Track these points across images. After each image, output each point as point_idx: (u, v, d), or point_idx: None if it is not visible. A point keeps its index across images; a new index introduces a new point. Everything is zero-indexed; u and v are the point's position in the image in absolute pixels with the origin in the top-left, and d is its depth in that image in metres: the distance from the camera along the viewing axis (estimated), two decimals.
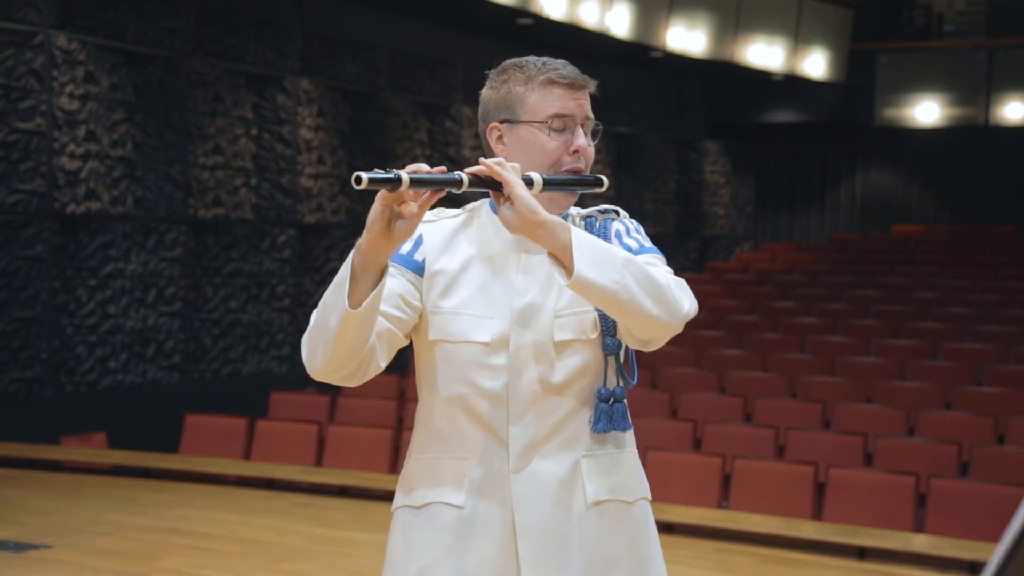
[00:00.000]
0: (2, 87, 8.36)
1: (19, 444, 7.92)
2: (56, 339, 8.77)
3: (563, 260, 1.94)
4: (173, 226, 9.61)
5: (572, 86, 2.14)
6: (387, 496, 6.84)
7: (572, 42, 12.22)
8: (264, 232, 10.48)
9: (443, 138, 12.32)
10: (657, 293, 1.98)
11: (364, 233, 1.94)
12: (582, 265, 1.91)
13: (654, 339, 2.07)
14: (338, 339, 1.96)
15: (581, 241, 1.93)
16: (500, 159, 2.00)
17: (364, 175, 1.84)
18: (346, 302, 1.93)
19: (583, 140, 2.14)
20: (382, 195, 1.90)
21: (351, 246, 10.61)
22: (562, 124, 2.13)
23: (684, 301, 2.03)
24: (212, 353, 10.06)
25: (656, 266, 2.10)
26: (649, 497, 2.22)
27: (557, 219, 1.94)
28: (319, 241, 11.05)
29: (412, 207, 1.91)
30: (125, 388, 9.27)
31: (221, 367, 10.13)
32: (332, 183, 11.12)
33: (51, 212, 8.67)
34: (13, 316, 8.51)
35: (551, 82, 2.13)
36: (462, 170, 1.98)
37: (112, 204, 9.12)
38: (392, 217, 1.92)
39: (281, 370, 10.56)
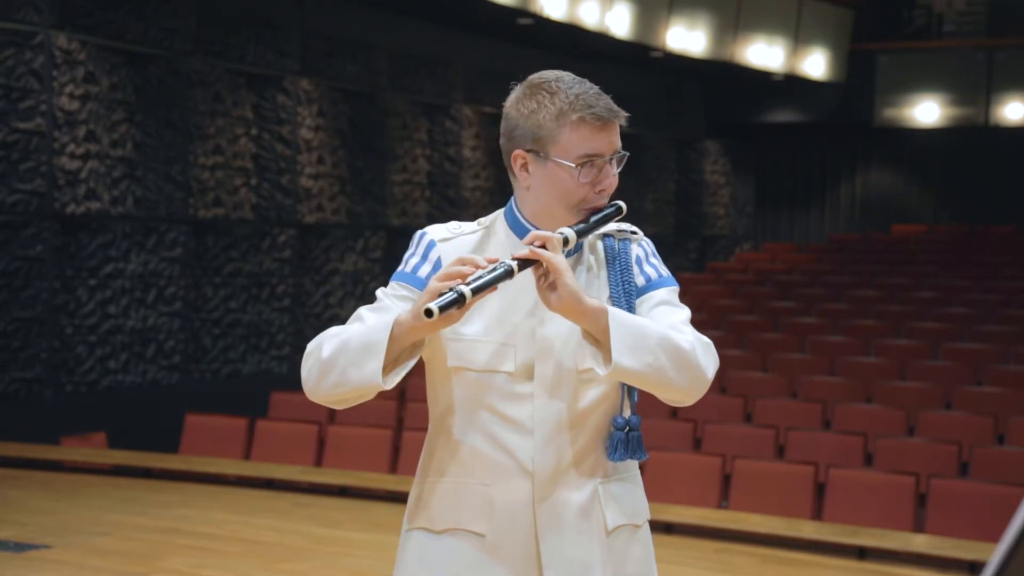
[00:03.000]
0: (2, 87, 8.36)
1: (19, 444, 7.92)
2: (56, 339, 8.77)
3: (600, 341, 1.98)
4: (173, 226, 9.61)
5: (604, 125, 2.08)
6: (387, 496, 6.85)
7: (572, 42, 12.22)
8: (264, 232, 10.48)
9: (443, 138, 12.32)
10: (687, 367, 2.02)
11: (410, 315, 1.96)
12: (620, 354, 1.96)
13: (678, 401, 2.10)
14: (352, 392, 2.04)
15: (618, 326, 1.97)
16: (544, 235, 2.01)
17: (434, 307, 1.88)
18: (380, 376, 1.99)
19: (610, 179, 2.11)
20: (434, 290, 1.93)
21: (351, 246, 10.55)
22: (591, 163, 2.09)
23: (709, 367, 2.06)
24: (212, 353, 10.06)
25: (675, 307, 2.13)
26: (649, 517, 2.25)
27: (597, 304, 1.98)
28: (319, 241, 11.05)
29: None
30: (125, 388, 9.27)
31: (221, 367, 10.13)
32: (332, 183, 11.12)
33: (51, 212, 8.67)
34: (13, 316, 8.51)
35: (583, 121, 2.07)
36: (511, 257, 2.01)
37: (112, 204, 9.12)
38: None
39: (281, 370, 10.55)
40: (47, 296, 8.69)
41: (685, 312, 2.14)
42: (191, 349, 9.85)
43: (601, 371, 1.98)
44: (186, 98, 9.70)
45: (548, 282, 1.97)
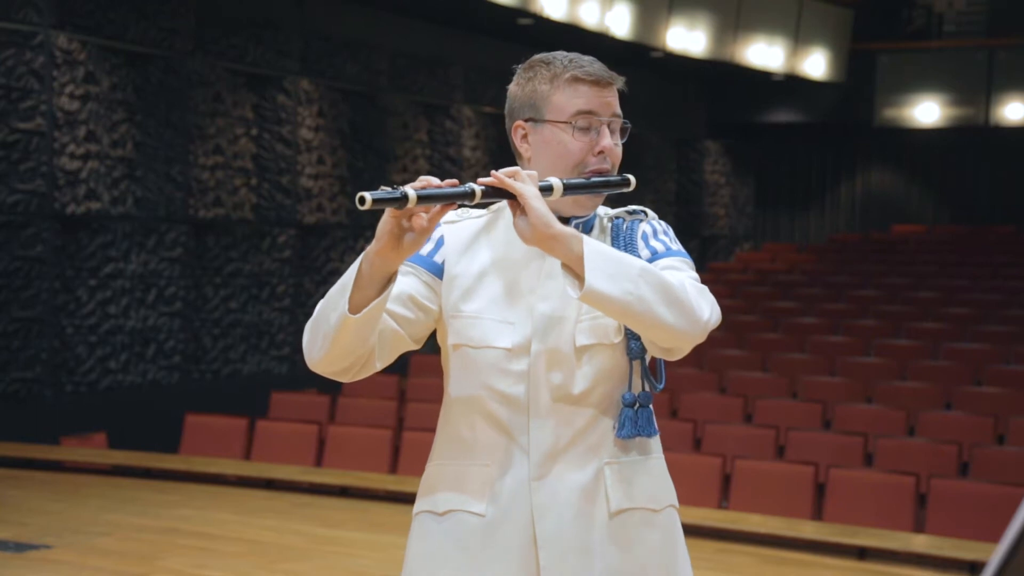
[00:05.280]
0: (2, 87, 8.36)
1: (19, 444, 7.92)
2: (56, 339, 8.77)
3: (576, 271, 1.91)
4: (173, 226, 9.61)
5: (599, 83, 2.08)
6: (387, 496, 6.85)
7: (572, 42, 12.17)
8: (264, 232, 10.48)
9: (443, 138, 12.32)
10: (675, 302, 1.92)
11: (373, 242, 1.92)
12: (593, 277, 1.88)
13: (675, 348, 2.01)
14: (336, 338, 1.96)
15: (594, 252, 1.89)
16: (515, 168, 1.96)
17: (368, 196, 1.80)
18: (346, 306, 1.92)
19: (608, 140, 2.09)
20: (391, 208, 1.87)
21: (351, 246, 10.56)
22: (587, 122, 2.07)
23: (704, 309, 1.97)
24: (212, 353, 10.06)
25: (678, 270, 2.05)
26: (676, 504, 2.19)
27: (571, 231, 1.91)
28: (319, 241, 11.05)
29: (422, 220, 1.89)
30: (125, 388, 9.27)
31: (221, 367, 10.13)
32: (332, 183, 11.12)
33: (51, 212, 8.67)
34: (13, 316, 8.51)
35: (577, 80, 2.07)
36: (475, 181, 1.95)
37: (112, 204, 9.12)
38: (402, 229, 1.90)
39: (281, 370, 10.56)
40: (47, 296, 8.69)
41: (693, 274, 2.05)
42: (191, 349, 9.85)
43: (574, 293, 1.90)
44: (186, 98, 9.70)
45: (519, 211, 1.92)
